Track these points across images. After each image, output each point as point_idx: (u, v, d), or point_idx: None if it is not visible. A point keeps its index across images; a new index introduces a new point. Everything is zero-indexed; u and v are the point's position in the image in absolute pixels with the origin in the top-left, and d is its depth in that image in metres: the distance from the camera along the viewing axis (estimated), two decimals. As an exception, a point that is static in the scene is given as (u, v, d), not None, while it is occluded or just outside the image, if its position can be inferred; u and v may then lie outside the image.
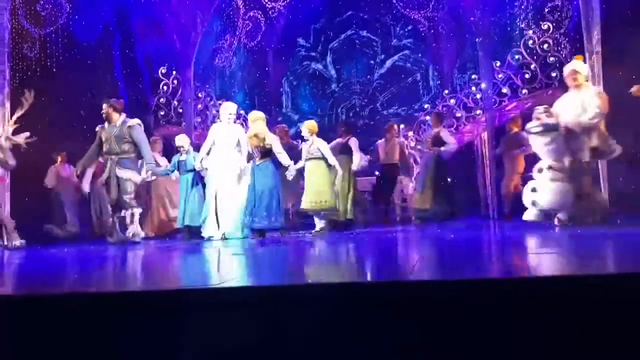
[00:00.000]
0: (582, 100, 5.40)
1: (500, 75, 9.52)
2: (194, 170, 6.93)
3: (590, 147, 5.32)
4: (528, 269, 2.47)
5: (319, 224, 6.61)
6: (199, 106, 10.37)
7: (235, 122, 7.05)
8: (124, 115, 6.55)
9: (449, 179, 8.29)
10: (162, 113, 10.23)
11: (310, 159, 6.58)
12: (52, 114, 7.94)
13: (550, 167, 5.39)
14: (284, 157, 6.33)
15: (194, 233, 6.85)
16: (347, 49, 11.45)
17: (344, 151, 7.22)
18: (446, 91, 10.37)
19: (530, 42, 9.23)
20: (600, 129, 5.35)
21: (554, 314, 1.78)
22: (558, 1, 8.98)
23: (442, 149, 7.89)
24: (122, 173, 6.36)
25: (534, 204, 5.39)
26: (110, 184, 6.41)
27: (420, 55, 11.10)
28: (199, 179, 7.02)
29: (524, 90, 9.30)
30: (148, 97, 10.20)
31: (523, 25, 9.36)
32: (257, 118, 6.50)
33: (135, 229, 6.46)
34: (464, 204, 9.08)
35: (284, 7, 10.91)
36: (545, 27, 9.12)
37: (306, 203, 6.54)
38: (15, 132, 6.56)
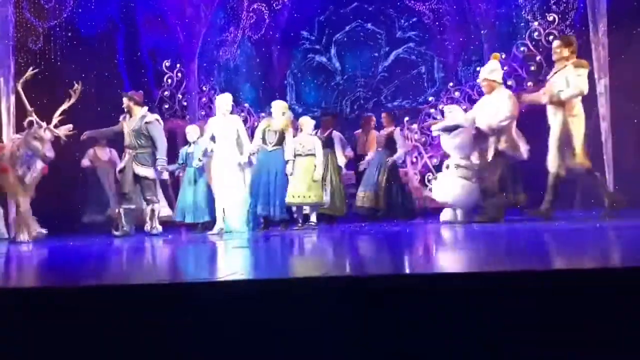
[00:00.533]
0: (495, 103, 5.60)
1: (505, 68, 9.47)
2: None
3: (496, 149, 5.53)
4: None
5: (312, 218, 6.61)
6: (203, 99, 10.37)
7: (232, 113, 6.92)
8: (145, 108, 6.63)
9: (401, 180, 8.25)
10: (167, 106, 10.25)
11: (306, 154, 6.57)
12: (56, 107, 7.94)
13: (457, 165, 5.66)
14: (290, 150, 6.35)
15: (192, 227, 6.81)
16: (352, 41, 11.39)
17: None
18: (451, 83, 10.31)
19: (536, 34, 9.17)
20: (510, 131, 5.55)
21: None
22: (564, -8, 8.93)
23: (395, 156, 7.79)
24: (139, 170, 6.40)
25: (436, 197, 5.72)
26: (125, 176, 6.42)
27: (424, 47, 11.02)
28: (202, 173, 6.96)
29: (530, 82, 9.25)
30: (152, 90, 10.20)
31: (528, 17, 9.29)
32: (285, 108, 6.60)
33: (154, 224, 6.50)
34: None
35: (288, 0, 10.88)
36: (551, 18, 9.06)
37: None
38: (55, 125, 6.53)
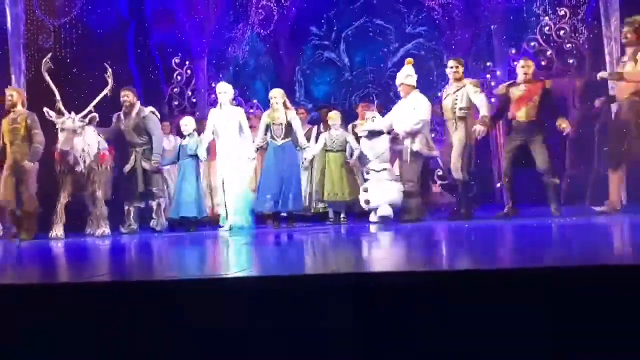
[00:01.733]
0: (410, 107, 5.90)
1: (515, 63, 9.39)
2: (195, 156, 6.48)
3: (412, 150, 5.83)
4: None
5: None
6: (213, 96, 10.35)
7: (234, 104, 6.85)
8: (138, 103, 6.57)
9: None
10: (176, 103, 10.27)
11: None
12: (67, 105, 7.97)
13: (378, 170, 5.90)
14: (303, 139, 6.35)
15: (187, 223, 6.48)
16: (361, 37, 11.35)
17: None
18: (480, 79, 10.25)
19: (547, 28, 9.10)
20: (424, 133, 5.87)
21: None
22: (576, -14, 8.85)
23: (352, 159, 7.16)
24: (147, 165, 6.39)
25: (367, 202, 5.81)
26: (137, 176, 6.38)
27: (434, 43, 10.96)
28: (196, 167, 6.55)
29: (541, 77, 9.18)
30: (162, 87, 10.24)
31: (539, 12, 9.22)
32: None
33: (160, 220, 6.52)
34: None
35: (297, -4, 10.85)
36: (562, 13, 8.99)
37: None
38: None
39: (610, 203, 5.16)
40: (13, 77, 8.21)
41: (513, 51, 9.43)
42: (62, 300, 2.10)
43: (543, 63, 9.17)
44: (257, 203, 6.20)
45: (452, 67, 5.97)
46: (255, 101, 10.74)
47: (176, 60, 10.32)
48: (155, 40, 10.27)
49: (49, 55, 6.53)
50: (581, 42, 8.83)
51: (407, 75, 6.08)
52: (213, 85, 10.40)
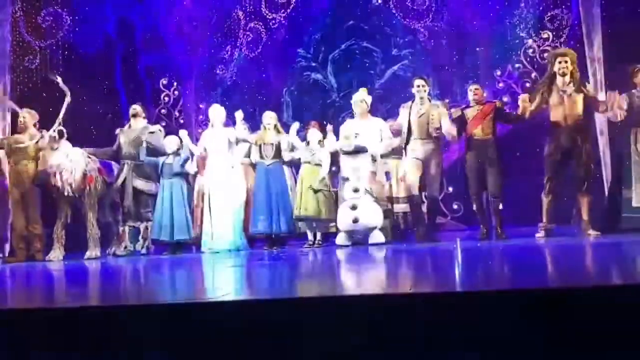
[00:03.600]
0: (376, 128, 6.08)
1: (500, 85, 9.55)
2: (180, 174, 6.35)
3: (385, 171, 6.10)
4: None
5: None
6: (200, 117, 10.37)
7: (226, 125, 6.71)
8: (145, 120, 6.57)
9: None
10: (164, 124, 10.21)
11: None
12: (53, 126, 7.91)
13: (364, 190, 5.81)
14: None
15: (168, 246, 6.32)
16: (347, 59, 11.45)
17: None
18: (447, 100, 10.35)
19: (531, 51, 9.27)
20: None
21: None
22: (558, 10, 9.04)
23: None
24: (138, 182, 6.28)
25: (355, 221, 5.65)
26: (126, 190, 6.25)
27: (420, 65, 11.09)
28: (182, 187, 6.37)
29: (492, 100, 9.31)
30: (149, 108, 10.18)
31: (523, 34, 9.40)
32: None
33: (147, 242, 6.39)
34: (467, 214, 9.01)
35: (285, 18, 10.95)
36: (545, 35, 9.17)
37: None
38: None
39: (544, 227, 5.44)
40: (-3, 98, 8.11)
41: (498, 73, 9.57)
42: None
43: (528, 85, 9.32)
44: (251, 225, 6.16)
45: (419, 86, 6.04)
46: (242, 122, 10.71)
47: (164, 81, 10.32)
48: (142, 61, 10.27)
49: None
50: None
51: (366, 96, 6.39)
52: (201, 106, 10.42)
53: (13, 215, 6.25)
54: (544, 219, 5.42)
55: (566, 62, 5.43)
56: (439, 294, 1.99)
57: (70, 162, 5.94)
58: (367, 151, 5.90)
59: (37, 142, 6.17)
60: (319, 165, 6.15)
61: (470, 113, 5.93)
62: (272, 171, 6.20)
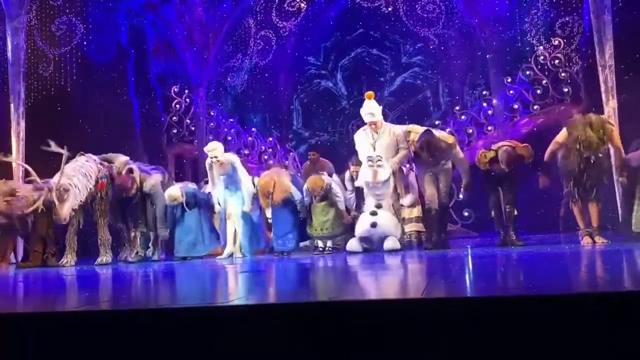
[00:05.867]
0: (393, 140, 5.77)
1: (511, 91, 9.53)
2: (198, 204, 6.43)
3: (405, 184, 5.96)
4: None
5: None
6: (211, 124, 10.45)
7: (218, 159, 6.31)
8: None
9: None
10: (175, 131, 10.33)
11: None
12: (66, 133, 8.01)
13: (387, 205, 5.69)
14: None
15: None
16: (357, 66, 11.50)
17: None
18: (457, 107, 10.37)
19: (542, 57, 9.26)
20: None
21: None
22: (569, 17, 9.03)
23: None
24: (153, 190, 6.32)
25: (373, 225, 5.55)
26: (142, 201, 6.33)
27: (430, 72, 11.12)
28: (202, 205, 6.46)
29: (536, 106, 9.31)
30: (161, 115, 10.30)
31: (534, 41, 9.40)
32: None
33: (157, 250, 6.42)
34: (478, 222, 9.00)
35: (295, 27, 11.03)
36: (556, 42, 9.16)
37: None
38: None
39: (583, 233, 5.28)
40: (12, 105, 8.22)
41: (509, 79, 9.56)
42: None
43: (538, 92, 9.31)
44: (275, 243, 6.14)
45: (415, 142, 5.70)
46: (253, 130, 10.82)
47: (175, 89, 10.42)
48: (154, 69, 10.38)
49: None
50: (575, 70, 8.98)
51: (376, 109, 5.92)
52: (212, 113, 10.50)
53: (37, 219, 6.30)
54: (581, 225, 5.28)
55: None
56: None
57: (82, 187, 6.02)
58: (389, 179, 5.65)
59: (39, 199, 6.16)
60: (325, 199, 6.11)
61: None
62: None
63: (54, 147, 5.88)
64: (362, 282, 2.96)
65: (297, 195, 6.04)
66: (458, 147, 5.91)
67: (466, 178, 5.76)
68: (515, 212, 5.49)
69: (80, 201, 5.99)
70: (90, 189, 6.04)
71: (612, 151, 5.32)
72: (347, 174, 6.38)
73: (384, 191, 5.69)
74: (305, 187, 6.04)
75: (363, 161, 5.77)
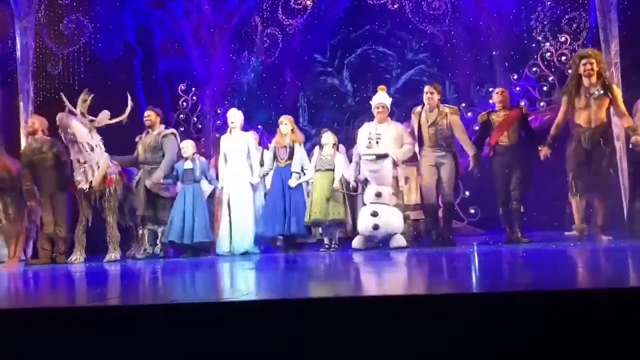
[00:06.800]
0: (396, 134, 5.85)
1: (517, 88, 9.51)
2: (199, 182, 6.42)
3: (405, 176, 6.04)
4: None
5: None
6: (218, 122, 10.50)
7: (244, 129, 6.77)
8: (162, 126, 6.65)
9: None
10: (182, 129, 10.38)
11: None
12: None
13: (388, 193, 5.71)
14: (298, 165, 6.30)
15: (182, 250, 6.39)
16: (363, 63, 11.50)
17: None
18: (463, 104, 10.34)
19: (548, 54, 9.23)
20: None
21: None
22: (575, 13, 9.00)
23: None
24: (149, 183, 6.31)
25: (375, 227, 5.53)
26: (138, 194, 6.33)
27: (436, 69, 11.09)
28: (201, 190, 6.45)
29: (542, 103, 9.28)
30: (168, 113, 10.35)
31: (540, 38, 9.36)
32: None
33: (161, 246, 6.47)
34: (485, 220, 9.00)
35: (301, 24, 11.04)
36: (563, 39, 9.13)
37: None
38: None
39: (576, 228, 5.28)
40: (21, 104, 8.31)
41: (515, 77, 9.54)
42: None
43: (545, 88, 9.28)
44: (264, 227, 6.18)
45: (427, 93, 5.86)
46: (259, 127, 10.84)
47: (182, 86, 10.48)
48: (162, 67, 10.44)
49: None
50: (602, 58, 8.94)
51: (387, 99, 6.09)
52: (218, 111, 10.55)
53: (42, 217, 6.40)
54: (576, 221, 5.31)
55: (591, 63, 5.22)
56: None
57: (95, 156, 6.05)
58: (388, 156, 5.69)
59: (54, 149, 6.28)
60: (330, 170, 6.14)
61: (495, 118, 5.79)
62: (286, 173, 6.23)
63: (128, 109, 6.36)
64: (366, 279, 3.00)
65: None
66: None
67: (471, 149, 5.76)
68: (522, 209, 5.50)
69: (88, 160, 6.06)
70: (97, 162, 6.09)
71: (616, 122, 5.39)
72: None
73: (382, 173, 5.71)
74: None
75: (360, 151, 5.83)
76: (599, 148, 5.24)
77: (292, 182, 6.20)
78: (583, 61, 5.27)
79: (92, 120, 6.18)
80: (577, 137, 5.31)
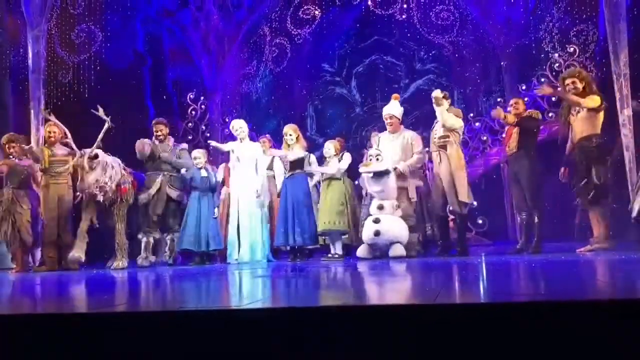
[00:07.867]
0: (406, 143, 5.87)
1: (526, 99, 9.48)
2: (214, 188, 6.49)
3: (416, 186, 5.96)
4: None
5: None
6: (226, 131, 10.54)
7: (252, 139, 6.94)
8: (171, 138, 6.82)
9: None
10: (190, 137, 10.45)
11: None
12: (83, 139, 8.13)
13: (397, 206, 5.68)
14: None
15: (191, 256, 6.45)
16: (371, 73, 11.56)
17: None
18: (471, 114, 10.35)
19: (556, 65, 9.22)
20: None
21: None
22: (584, 25, 9.00)
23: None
24: (172, 193, 6.45)
25: (376, 234, 5.52)
26: (159, 199, 6.43)
27: (444, 79, 11.12)
28: (214, 198, 6.50)
29: (550, 114, 9.26)
30: (177, 122, 10.43)
31: (548, 49, 9.37)
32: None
33: (174, 254, 6.50)
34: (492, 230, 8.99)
35: (309, 34, 11.11)
36: (572, 50, 9.12)
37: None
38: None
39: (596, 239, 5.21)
40: (32, 112, 8.38)
41: (523, 87, 9.54)
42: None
43: (553, 99, 9.26)
44: (276, 237, 6.21)
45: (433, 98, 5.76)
46: (267, 135, 10.87)
47: (191, 95, 10.55)
48: (171, 76, 10.53)
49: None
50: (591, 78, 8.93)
51: (398, 109, 6.09)
52: (227, 120, 10.60)
53: (46, 225, 6.41)
54: (594, 232, 5.27)
55: (574, 82, 5.36)
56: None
57: (107, 176, 6.06)
58: (389, 172, 5.67)
59: (74, 159, 6.30)
60: (338, 179, 6.19)
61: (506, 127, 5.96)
62: (292, 183, 6.23)
63: (101, 113, 6.13)
64: (371, 288, 2.99)
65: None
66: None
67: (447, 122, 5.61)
68: (536, 220, 5.45)
69: (105, 182, 6.05)
70: (112, 178, 6.13)
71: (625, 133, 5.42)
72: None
73: (383, 187, 5.70)
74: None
75: (360, 170, 5.89)
76: (584, 163, 5.24)
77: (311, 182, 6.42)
78: (567, 81, 5.42)
79: (91, 158, 6.13)
80: (573, 151, 5.38)
